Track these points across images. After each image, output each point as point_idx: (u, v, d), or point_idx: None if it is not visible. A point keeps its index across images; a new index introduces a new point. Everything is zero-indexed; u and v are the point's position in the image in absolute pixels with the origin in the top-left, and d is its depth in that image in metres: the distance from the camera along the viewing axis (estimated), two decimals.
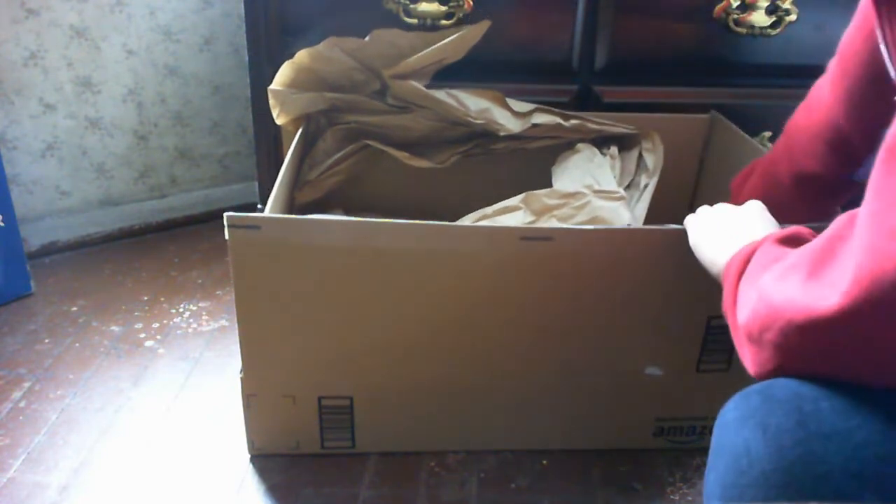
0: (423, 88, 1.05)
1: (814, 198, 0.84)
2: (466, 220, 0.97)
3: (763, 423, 0.48)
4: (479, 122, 1.06)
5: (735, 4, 1.12)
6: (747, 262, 0.61)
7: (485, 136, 1.10)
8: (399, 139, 1.10)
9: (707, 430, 0.97)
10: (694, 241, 0.76)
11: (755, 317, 0.53)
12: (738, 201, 0.92)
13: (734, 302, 0.60)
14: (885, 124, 0.66)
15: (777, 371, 0.52)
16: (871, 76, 0.71)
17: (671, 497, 0.91)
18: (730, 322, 0.61)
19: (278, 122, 1.10)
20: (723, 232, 0.71)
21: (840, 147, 0.78)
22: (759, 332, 0.52)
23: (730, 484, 0.48)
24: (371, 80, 1.09)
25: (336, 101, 1.08)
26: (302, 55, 1.04)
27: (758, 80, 1.19)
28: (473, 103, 1.06)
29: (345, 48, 1.05)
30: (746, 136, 1.08)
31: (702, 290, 0.86)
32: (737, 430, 0.49)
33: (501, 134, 1.06)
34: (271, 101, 1.08)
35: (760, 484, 0.46)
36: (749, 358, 0.55)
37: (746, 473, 0.47)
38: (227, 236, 0.80)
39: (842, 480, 0.44)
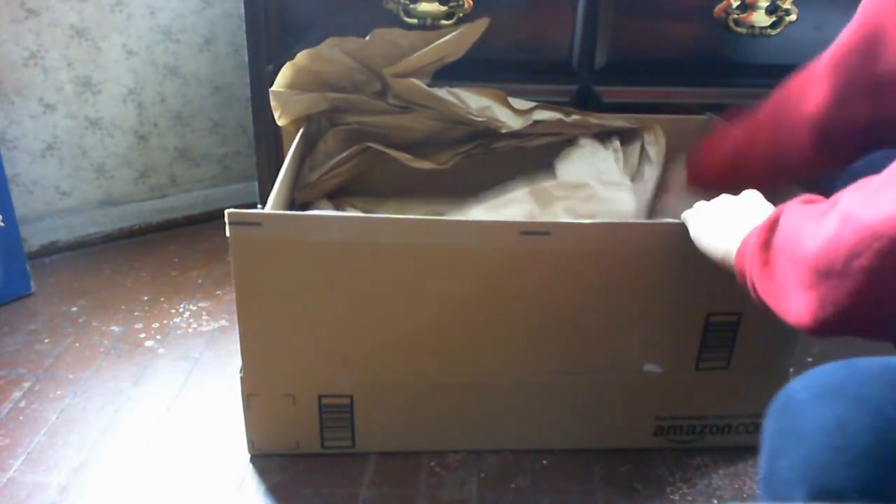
0: (424, 86, 1.05)
1: (779, 176, 0.84)
2: (473, 212, 0.97)
3: (858, 395, 0.44)
4: (480, 119, 1.06)
5: (735, 4, 1.12)
6: (770, 229, 0.59)
7: (486, 135, 1.10)
8: (400, 140, 1.10)
9: (707, 430, 0.97)
10: (695, 232, 0.76)
11: (838, 245, 0.48)
12: (703, 166, 0.94)
13: (765, 263, 0.57)
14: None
15: (849, 310, 0.48)
16: (869, 80, 0.70)
17: (671, 497, 0.91)
18: (762, 283, 0.58)
19: (280, 123, 1.10)
20: (726, 219, 0.71)
21: (827, 144, 0.77)
22: (845, 260, 0.48)
23: (819, 466, 0.43)
24: (372, 80, 1.09)
25: (337, 101, 1.08)
26: (302, 56, 1.04)
27: (758, 80, 1.19)
28: (474, 101, 1.06)
29: (345, 49, 1.05)
30: None
31: (701, 287, 0.86)
32: (822, 406, 0.45)
33: (503, 131, 1.07)
34: (273, 103, 1.08)
35: (863, 460, 0.42)
36: (811, 302, 0.51)
37: (844, 451, 0.42)
38: (227, 233, 0.80)
39: None
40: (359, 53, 1.05)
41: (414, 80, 1.05)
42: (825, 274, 0.50)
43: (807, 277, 0.52)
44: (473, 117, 1.06)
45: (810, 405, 0.46)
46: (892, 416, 0.43)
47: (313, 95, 1.07)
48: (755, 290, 0.60)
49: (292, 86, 1.07)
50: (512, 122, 1.07)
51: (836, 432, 0.43)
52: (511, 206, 0.95)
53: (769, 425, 0.49)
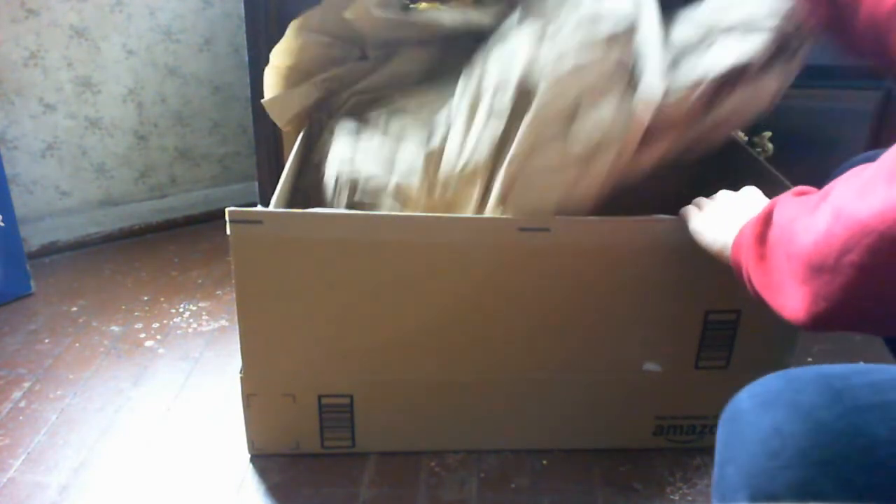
0: (391, 14, 1.01)
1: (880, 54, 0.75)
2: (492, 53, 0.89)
3: (793, 402, 0.46)
4: (457, 25, 1.01)
5: None
6: (764, 222, 0.59)
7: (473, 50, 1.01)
8: (403, 85, 1.07)
9: (707, 429, 0.97)
10: (694, 225, 0.76)
11: (830, 240, 0.49)
12: None
13: (760, 258, 0.58)
14: None
15: (841, 305, 0.49)
16: None
17: (671, 497, 0.91)
18: (757, 277, 0.59)
19: (283, 127, 1.09)
20: (724, 213, 0.71)
21: None
22: (837, 255, 0.48)
23: (758, 471, 0.45)
24: (348, 48, 1.06)
25: (326, 83, 1.07)
26: (276, 55, 1.04)
27: None
28: (447, 16, 1.02)
29: (310, 26, 1.03)
30: (737, 138, 1.09)
31: (699, 284, 0.86)
32: (761, 414, 0.47)
33: (484, 27, 0.99)
34: (269, 112, 1.07)
35: (797, 463, 0.44)
36: (805, 296, 0.52)
37: (779, 455, 0.44)
38: (228, 231, 0.80)
39: (887, 451, 0.42)
40: (324, 25, 1.04)
41: (376, 11, 1.01)
42: (818, 269, 0.50)
43: (800, 272, 0.52)
44: (448, 25, 1.01)
45: (751, 413, 0.48)
46: (822, 421, 0.44)
47: (302, 88, 1.06)
48: (751, 283, 0.60)
49: (280, 88, 1.06)
50: (486, 17, 1.00)
51: (772, 438, 0.45)
52: (517, 53, 0.86)
53: (719, 433, 0.51)
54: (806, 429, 0.44)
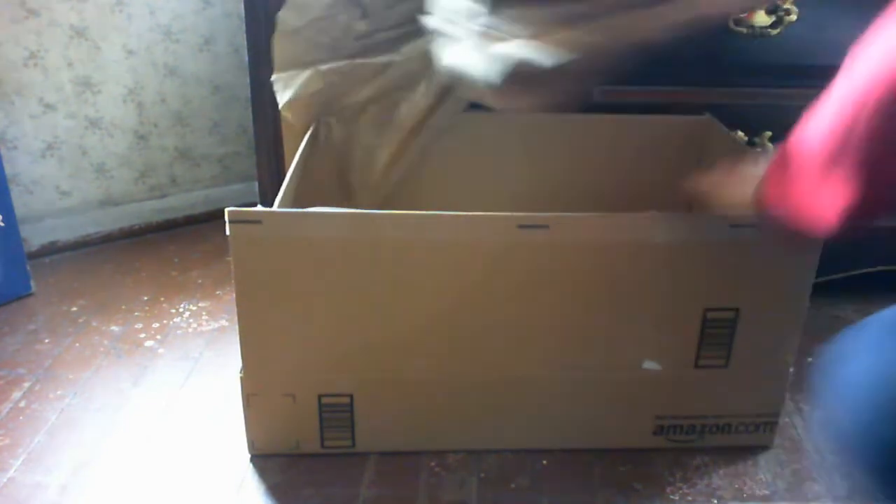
0: None
1: None
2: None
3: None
4: None
5: None
6: (783, 153, 0.61)
7: None
8: (414, 82, 1.06)
9: (707, 429, 0.97)
10: (723, 193, 0.77)
11: (838, 125, 0.51)
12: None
13: (786, 178, 0.59)
14: None
15: (868, 184, 0.50)
16: None
17: (671, 497, 0.91)
18: (788, 197, 0.60)
19: (282, 109, 1.08)
20: (750, 172, 0.73)
21: None
22: (845, 137, 0.50)
23: (880, 418, 0.47)
24: (352, 10, 1.05)
25: (330, 76, 1.06)
26: (282, 20, 1.03)
27: (758, 80, 1.19)
28: None
29: None
30: (736, 138, 1.09)
31: (697, 280, 0.86)
32: (874, 356, 0.49)
33: None
34: (275, 88, 1.07)
35: None
36: (836, 194, 0.53)
37: (883, 406, 0.46)
38: (228, 231, 0.80)
39: None
40: None
41: None
42: (836, 158, 0.52)
43: (823, 169, 0.53)
44: None
45: (854, 361, 0.50)
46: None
47: (308, 75, 1.05)
48: (782, 207, 0.61)
49: (287, 62, 1.05)
50: None
51: (879, 388, 0.48)
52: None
53: (825, 374, 0.53)
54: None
